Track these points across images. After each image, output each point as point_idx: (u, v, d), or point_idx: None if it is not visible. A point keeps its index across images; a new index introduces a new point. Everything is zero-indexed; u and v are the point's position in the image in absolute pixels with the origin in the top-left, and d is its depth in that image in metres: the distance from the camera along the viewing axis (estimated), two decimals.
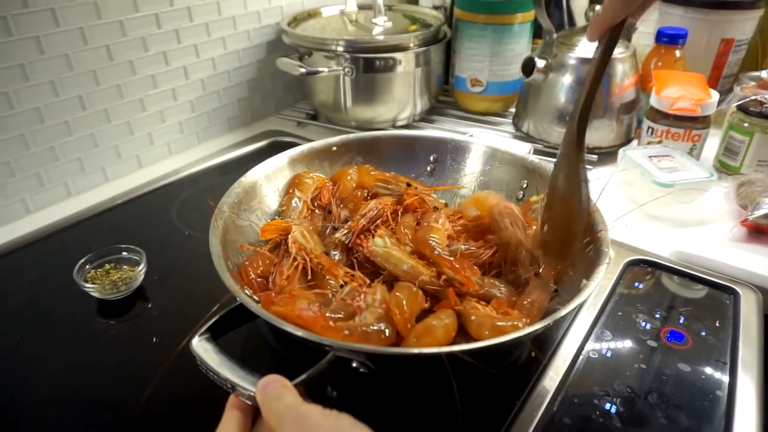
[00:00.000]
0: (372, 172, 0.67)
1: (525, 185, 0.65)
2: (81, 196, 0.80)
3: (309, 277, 0.52)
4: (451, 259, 0.51)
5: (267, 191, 0.62)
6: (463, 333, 0.47)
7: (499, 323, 0.45)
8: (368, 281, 0.51)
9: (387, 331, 0.43)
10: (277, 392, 0.35)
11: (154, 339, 0.54)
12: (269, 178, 0.63)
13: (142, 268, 0.60)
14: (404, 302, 0.45)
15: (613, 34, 0.47)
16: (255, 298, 0.49)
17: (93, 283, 0.58)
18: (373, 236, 0.55)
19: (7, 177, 0.72)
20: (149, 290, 0.61)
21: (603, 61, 0.48)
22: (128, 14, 0.78)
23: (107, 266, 0.61)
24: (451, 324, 0.45)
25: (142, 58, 0.82)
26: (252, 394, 0.37)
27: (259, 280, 0.52)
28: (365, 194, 0.66)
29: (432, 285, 0.49)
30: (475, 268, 0.52)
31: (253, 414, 0.38)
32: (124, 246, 0.62)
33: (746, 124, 0.77)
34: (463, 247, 0.55)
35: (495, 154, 0.67)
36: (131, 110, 0.83)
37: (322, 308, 0.45)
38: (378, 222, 0.59)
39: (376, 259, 0.52)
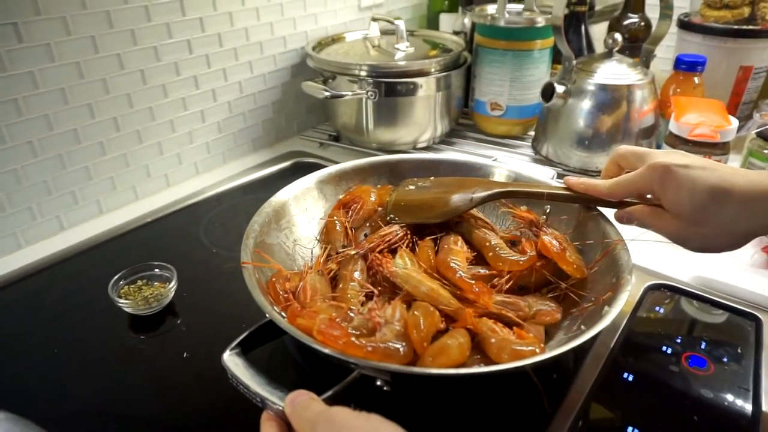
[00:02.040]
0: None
1: (548, 210, 0.66)
2: (112, 213, 0.83)
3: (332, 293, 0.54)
4: (472, 282, 0.52)
5: (295, 211, 0.64)
6: (482, 352, 0.48)
7: (518, 347, 0.46)
8: (386, 300, 0.53)
9: (404, 349, 0.45)
10: (305, 404, 0.37)
11: (185, 354, 0.56)
12: (298, 199, 0.64)
13: (173, 285, 0.62)
14: (421, 322, 0.46)
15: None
16: (282, 314, 0.50)
17: (126, 299, 0.60)
18: (394, 257, 0.56)
19: (44, 195, 0.75)
20: (179, 306, 0.63)
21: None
22: (162, 40, 0.81)
23: (139, 282, 0.63)
24: (465, 343, 0.47)
25: (173, 82, 0.85)
26: (281, 408, 0.38)
27: (285, 295, 0.53)
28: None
29: (449, 307, 0.51)
30: (492, 290, 0.54)
31: (287, 430, 0.39)
32: (156, 263, 0.65)
33: (766, 151, 0.78)
34: (482, 270, 0.57)
35: (518, 179, 0.69)
36: (162, 131, 0.86)
37: (344, 324, 0.46)
38: (398, 243, 0.60)
39: (395, 279, 0.53)
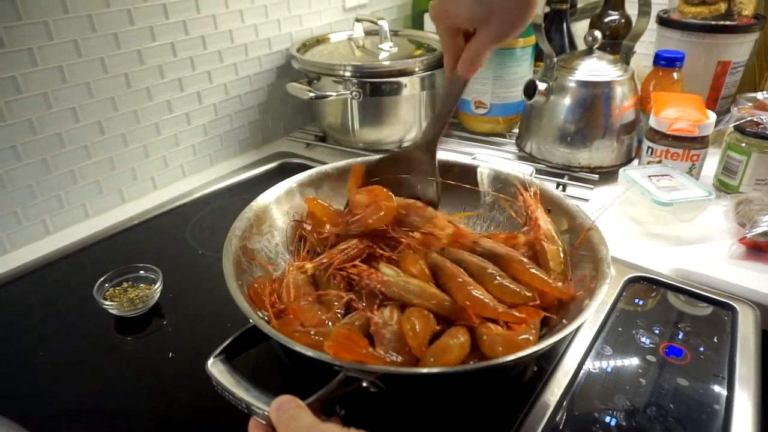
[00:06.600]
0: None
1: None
2: (99, 217, 0.83)
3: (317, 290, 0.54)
4: (517, 314, 0.49)
5: (277, 215, 0.64)
6: (474, 350, 0.48)
7: (512, 339, 0.46)
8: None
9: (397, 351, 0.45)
10: (292, 412, 0.36)
11: (170, 354, 0.56)
12: (279, 202, 0.64)
13: (158, 287, 0.62)
14: (417, 325, 0.46)
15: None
16: (266, 319, 0.50)
17: (111, 301, 0.61)
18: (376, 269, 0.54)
19: (29, 199, 0.75)
20: (165, 307, 0.63)
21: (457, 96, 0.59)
22: (146, 44, 0.82)
23: (125, 284, 0.64)
24: (466, 342, 0.46)
25: (158, 85, 0.85)
26: (266, 413, 0.38)
27: (271, 298, 0.53)
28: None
29: (448, 309, 0.50)
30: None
31: None
32: (141, 265, 0.65)
33: (744, 144, 0.79)
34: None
35: (499, 177, 0.69)
36: (147, 134, 0.87)
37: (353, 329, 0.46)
38: (358, 257, 0.57)
39: (391, 288, 0.51)
